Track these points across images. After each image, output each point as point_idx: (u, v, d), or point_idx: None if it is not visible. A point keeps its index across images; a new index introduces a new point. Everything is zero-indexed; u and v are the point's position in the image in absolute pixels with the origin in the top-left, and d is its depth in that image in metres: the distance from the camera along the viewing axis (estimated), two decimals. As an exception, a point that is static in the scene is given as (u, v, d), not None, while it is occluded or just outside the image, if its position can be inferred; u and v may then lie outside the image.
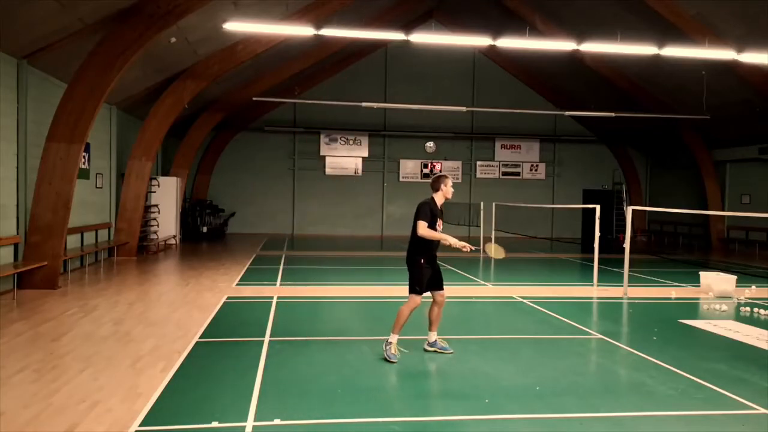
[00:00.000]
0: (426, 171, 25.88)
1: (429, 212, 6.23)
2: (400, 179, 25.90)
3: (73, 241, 12.97)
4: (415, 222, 6.22)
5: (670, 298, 10.61)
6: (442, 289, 6.49)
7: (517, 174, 26.61)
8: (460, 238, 6.39)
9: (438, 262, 6.50)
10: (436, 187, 6.42)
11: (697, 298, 10.68)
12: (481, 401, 5.06)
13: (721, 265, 15.81)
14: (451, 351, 6.53)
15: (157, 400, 4.94)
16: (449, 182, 6.47)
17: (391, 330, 6.27)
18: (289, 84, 21.81)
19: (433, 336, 6.59)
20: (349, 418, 4.64)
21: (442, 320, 6.58)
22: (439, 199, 6.40)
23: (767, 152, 19.82)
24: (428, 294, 6.47)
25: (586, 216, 25.30)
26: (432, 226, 6.23)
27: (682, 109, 19.93)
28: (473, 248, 6.38)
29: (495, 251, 7.03)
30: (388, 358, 6.13)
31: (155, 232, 18.00)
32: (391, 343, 6.22)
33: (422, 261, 6.28)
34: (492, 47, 17.82)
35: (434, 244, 6.32)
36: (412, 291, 6.30)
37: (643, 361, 6.40)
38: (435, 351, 6.53)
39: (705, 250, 21.33)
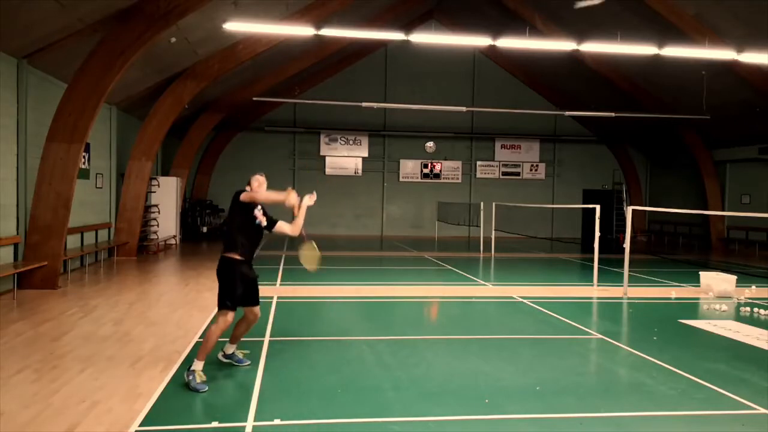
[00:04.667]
0: (426, 171, 25.90)
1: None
2: (400, 179, 25.89)
3: (73, 241, 12.97)
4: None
5: (670, 298, 10.61)
6: (256, 304, 5.68)
7: (517, 174, 26.61)
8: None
9: (254, 270, 5.64)
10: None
11: (697, 298, 10.68)
12: (481, 401, 5.05)
13: (721, 265, 15.81)
14: (248, 363, 5.87)
15: (157, 400, 4.94)
16: (253, 181, 5.65)
17: (197, 356, 5.35)
18: (289, 84, 21.82)
19: (231, 348, 5.87)
20: (349, 418, 4.64)
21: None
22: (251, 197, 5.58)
23: (767, 152, 19.82)
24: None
25: (586, 216, 25.29)
26: (250, 220, 5.49)
27: (682, 109, 19.93)
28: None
29: (308, 258, 5.87)
30: (195, 389, 5.09)
31: (155, 232, 18.00)
32: (194, 371, 5.23)
33: (233, 269, 5.42)
34: (492, 47, 17.81)
35: (249, 248, 5.50)
36: (221, 306, 5.39)
37: (643, 361, 6.40)
38: (230, 363, 5.85)
39: (705, 250, 21.33)
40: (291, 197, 5.32)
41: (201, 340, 6.97)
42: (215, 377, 5.56)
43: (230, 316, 5.41)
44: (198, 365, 5.29)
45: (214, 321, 5.46)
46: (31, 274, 10.16)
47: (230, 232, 5.51)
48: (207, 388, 5.16)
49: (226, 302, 5.38)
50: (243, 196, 5.45)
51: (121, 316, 8.29)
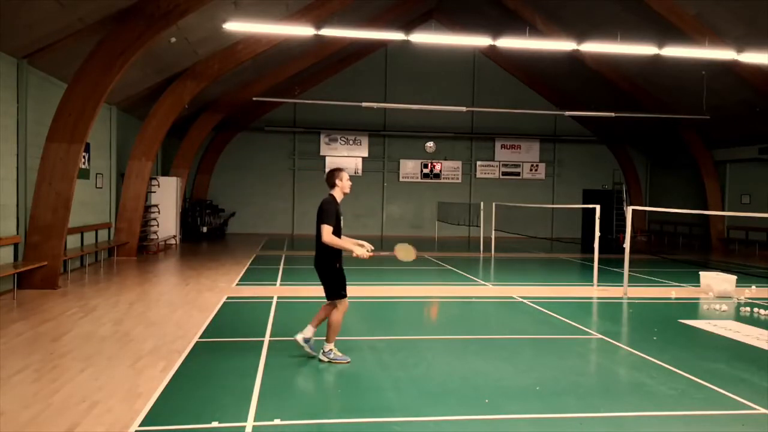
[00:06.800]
0: (426, 171, 25.90)
1: (335, 214, 5.80)
2: (400, 179, 25.89)
3: (73, 241, 12.97)
4: (320, 226, 5.79)
5: (670, 298, 10.61)
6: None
7: (517, 174, 26.61)
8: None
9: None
10: (331, 182, 5.98)
11: (697, 298, 10.68)
12: (481, 401, 5.06)
13: (721, 265, 15.81)
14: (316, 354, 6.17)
15: (157, 400, 4.94)
16: (345, 175, 6.01)
17: (326, 340, 6.02)
18: (289, 84, 21.81)
19: (311, 331, 6.15)
20: (349, 418, 4.64)
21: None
22: (338, 195, 5.97)
23: (767, 152, 19.81)
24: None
25: (586, 216, 25.29)
26: (338, 228, 5.83)
27: (682, 109, 19.92)
28: (372, 248, 6.00)
29: (404, 253, 6.48)
30: (341, 361, 5.97)
31: (155, 232, 17.99)
32: (331, 350, 6.02)
33: (337, 265, 5.97)
34: (492, 47, 17.80)
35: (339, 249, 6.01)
36: (338, 296, 5.99)
37: (643, 361, 6.40)
38: (304, 348, 6.13)
39: (705, 250, 21.33)
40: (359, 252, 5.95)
41: (201, 339, 6.99)
42: (215, 377, 5.56)
43: (346, 302, 6.06)
44: (331, 345, 6.01)
45: (334, 309, 6.05)
46: (31, 274, 10.16)
47: (321, 240, 5.90)
48: (349, 359, 6.00)
49: (341, 293, 6.00)
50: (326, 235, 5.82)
51: (121, 316, 8.28)
